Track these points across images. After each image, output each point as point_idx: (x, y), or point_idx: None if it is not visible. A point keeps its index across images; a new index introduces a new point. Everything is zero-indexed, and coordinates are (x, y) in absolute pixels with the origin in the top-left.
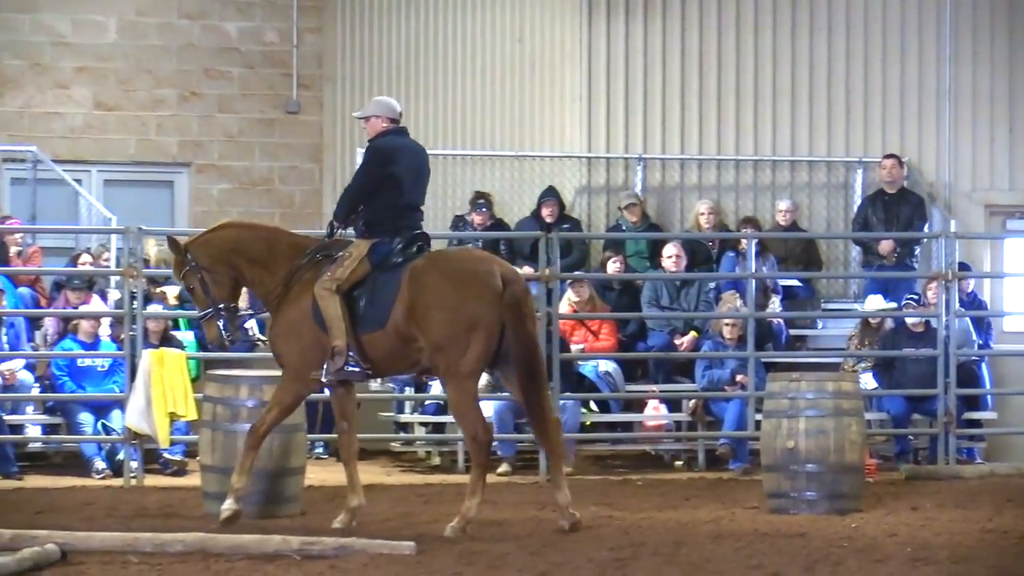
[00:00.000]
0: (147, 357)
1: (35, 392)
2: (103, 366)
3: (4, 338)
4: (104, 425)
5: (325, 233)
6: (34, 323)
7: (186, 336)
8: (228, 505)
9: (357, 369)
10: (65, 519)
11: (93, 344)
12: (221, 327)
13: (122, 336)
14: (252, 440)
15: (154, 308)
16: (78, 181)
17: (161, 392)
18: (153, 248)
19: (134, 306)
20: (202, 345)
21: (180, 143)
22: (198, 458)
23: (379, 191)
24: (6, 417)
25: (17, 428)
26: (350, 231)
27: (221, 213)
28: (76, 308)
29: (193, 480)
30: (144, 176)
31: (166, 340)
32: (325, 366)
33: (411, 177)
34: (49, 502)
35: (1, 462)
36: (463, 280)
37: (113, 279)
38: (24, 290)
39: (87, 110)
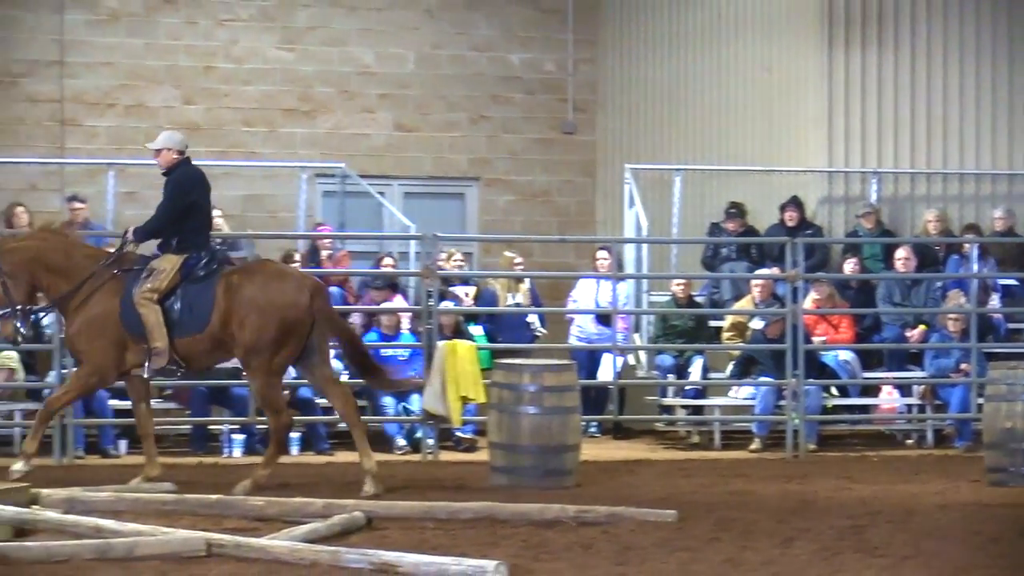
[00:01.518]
0: (442, 348)
1: (344, 378)
2: (403, 355)
3: None
4: (404, 407)
5: (116, 248)
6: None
7: (475, 330)
8: (19, 467)
9: (173, 367)
10: None
11: (394, 336)
12: (17, 325)
13: (420, 329)
14: (45, 415)
15: (447, 305)
16: (381, 194)
17: (454, 378)
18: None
19: (430, 303)
20: (491, 338)
21: (470, 160)
22: (486, 436)
23: (184, 216)
24: (318, 400)
25: (328, 410)
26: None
27: (506, 222)
28: (379, 305)
29: (482, 456)
30: (439, 189)
31: (458, 333)
32: (147, 363)
33: (206, 201)
34: (356, 475)
35: (314, 440)
36: (276, 292)
37: (412, 279)
38: (334, 289)
39: (389, 131)
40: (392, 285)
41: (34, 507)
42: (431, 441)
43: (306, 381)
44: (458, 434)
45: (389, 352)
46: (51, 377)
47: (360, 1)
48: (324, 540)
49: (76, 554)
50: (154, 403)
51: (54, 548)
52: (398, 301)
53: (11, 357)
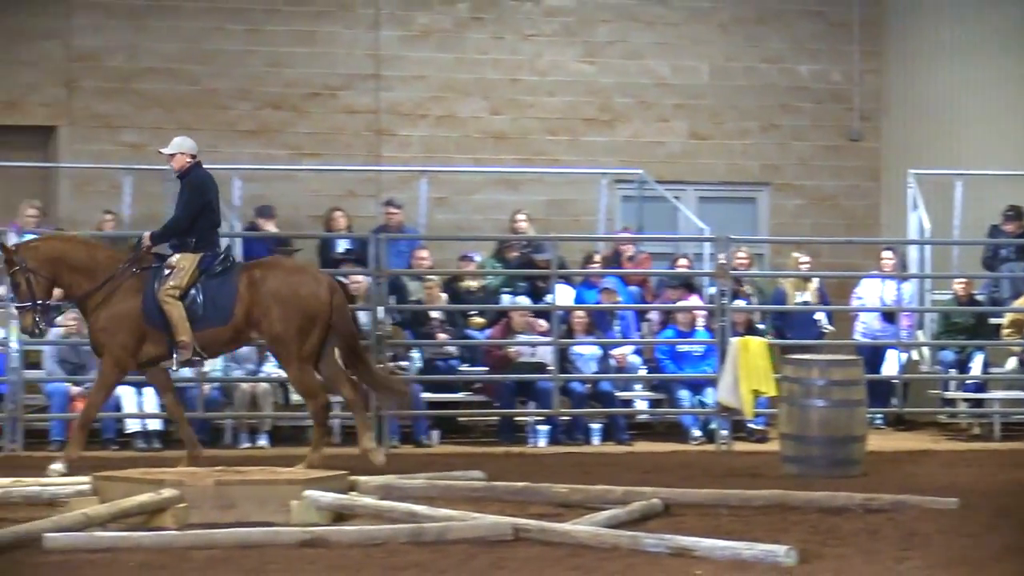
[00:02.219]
0: (735, 344)
1: (642, 372)
2: (699, 351)
3: (617, 328)
4: (700, 400)
5: (133, 249)
6: (641, 316)
7: (766, 327)
8: (57, 467)
9: (197, 358)
10: (667, 478)
11: (690, 333)
12: (36, 319)
13: (714, 326)
14: (84, 420)
15: (739, 303)
16: (677, 198)
17: (747, 372)
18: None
19: (724, 302)
20: (780, 334)
21: (761, 166)
22: (777, 427)
23: (200, 216)
24: (618, 393)
25: (627, 402)
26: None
27: (795, 225)
28: (675, 303)
29: (773, 446)
30: (731, 194)
31: (750, 329)
32: (174, 356)
33: (217, 202)
34: (654, 464)
35: (615, 431)
36: (298, 286)
37: (706, 279)
38: (633, 288)
39: (684, 139)
40: (688, 284)
41: (352, 494)
42: (725, 432)
43: (606, 374)
44: (750, 425)
45: (685, 348)
46: None
47: (657, 16)
48: (624, 525)
49: (391, 538)
50: (464, 396)
51: (371, 532)
52: (693, 300)
53: None
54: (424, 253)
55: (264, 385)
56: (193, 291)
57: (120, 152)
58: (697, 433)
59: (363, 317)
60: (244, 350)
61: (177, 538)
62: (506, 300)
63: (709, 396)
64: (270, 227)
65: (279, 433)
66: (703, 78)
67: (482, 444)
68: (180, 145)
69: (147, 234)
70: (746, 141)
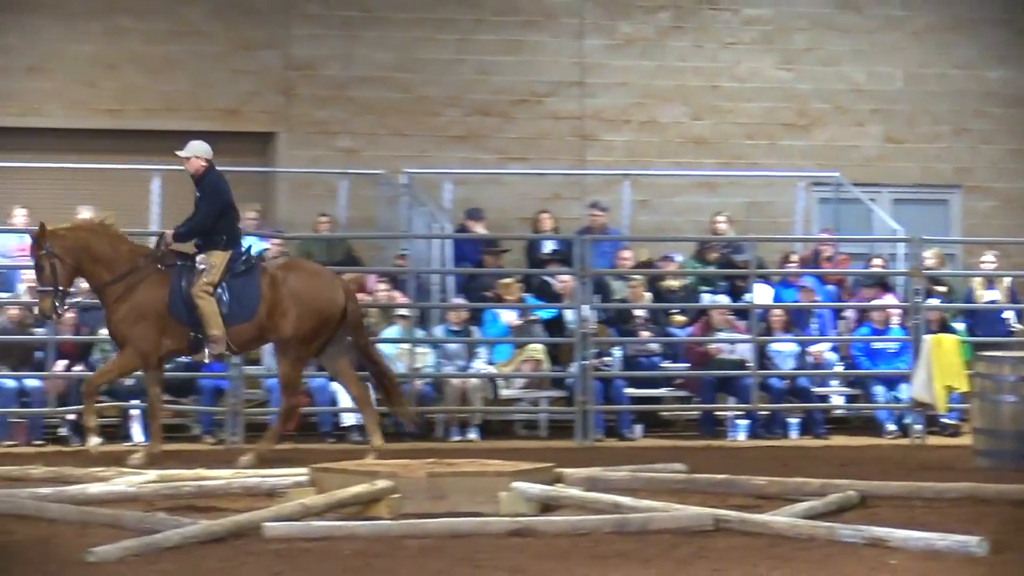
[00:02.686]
0: (928, 341)
1: (838, 369)
2: (893, 348)
3: (814, 326)
4: (894, 395)
5: (155, 246)
6: (837, 314)
7: (957, 325)
8: (94, 442)
9: (228, 352)
10: (862, 471)
11: (884, 330)
12: (55, 304)
13: (908, 324)
14: (89, 389)
15: (932, 302)
16: (872, 200)
17: (940, 369)
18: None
19: (917, 300)
20: (970, 332)
21: (954, 169)
22: (969, 422)
23: (223, 216)
24: (815, 389)
25: (824, 398)
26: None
27: (986, 226)
28: (870, 301)
29: (965, 440)
30: (924, 196)
31: (944, 327)
32: (207, 349)
33: (234, 202)
34: (850, 457)
35: (811, 425)
36: (319, 289)
37: (900, 278)
38: (830, 287)
39: (879, 143)
40: (882, 284)
41: (559, 485)
42: (919, 427)
43: (803, 370)
44: (943, 420)
45: (880, 345)
46: (573, 367)
47: (852, 25)
48: (821, 517)
49: (596, 528)
50: (666, 391)
51: (577, 522)
52: (888, 298)
53: (537, 349)
54: (627, 253)
55: (474, 380)
56: (219, 289)
57: (335, 157)
58: (892, 427)
59: (569, 315)
60: (454, 347)
61: (391, 527)
62: (706, 299)
63: (903, 392)
64: (479, 229)
65: (489, 427)
66: (897, 84)
67: (683, 438)
68: (195, 149)
69: (170, 232)
70: (939, 145)
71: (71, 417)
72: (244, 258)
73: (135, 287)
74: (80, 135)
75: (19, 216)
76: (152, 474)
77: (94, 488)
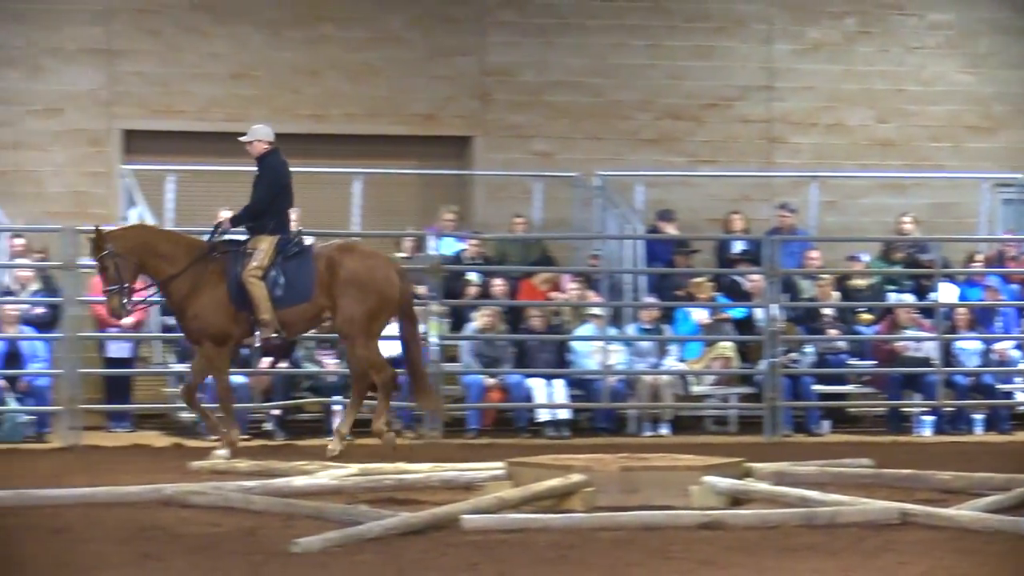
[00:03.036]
0: None
1: (1022, 366)
2: None
3: (999, 324)
4: None
5: (212, 235)
6: (1022, 312)
7: None
8: (222, 454)
9: (276, 335)
10: None
11: None
12: (123, 302)
13: None
14: (189, 397)
15: None
16: None
17: None
18: None
19: None
20: None
21: None
22: None
23: (278, 198)
24: (999, 386)
25: (1008, 394)
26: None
27: None
28: None
29: None
30: None
31: None
32: (257, 333)
33: (291, 186)
34: None
35: (996, 421)
36: (375, 269)
37: None
38: (1014, 286)
39: None
40: None
41: (748, 479)
42: None
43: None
44: None
45: None
46: (762, 365)
47: None
48: (1006, 511)
49: (785, 521)
50: (854, 388)
51: (765, 515)
52: None
53: (727, 347)
54: (815, 253)
55: (665, 377)
56: (273, 272)
57: (530, 160)
58: None
59: (758, 314)
60: (646, 344)
61: (584, 520)
62: (892, 298)
63: None
64: (670, 229)
65: (680, 422)
66: None
67: (870, 433)
68: (257, 132)
69: (227, 217)
70: None
71: (275, 412)
72: (294, 241)
73: (199, 280)
74: (283, 139)
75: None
76: (354, 467)
77: (298, 481)
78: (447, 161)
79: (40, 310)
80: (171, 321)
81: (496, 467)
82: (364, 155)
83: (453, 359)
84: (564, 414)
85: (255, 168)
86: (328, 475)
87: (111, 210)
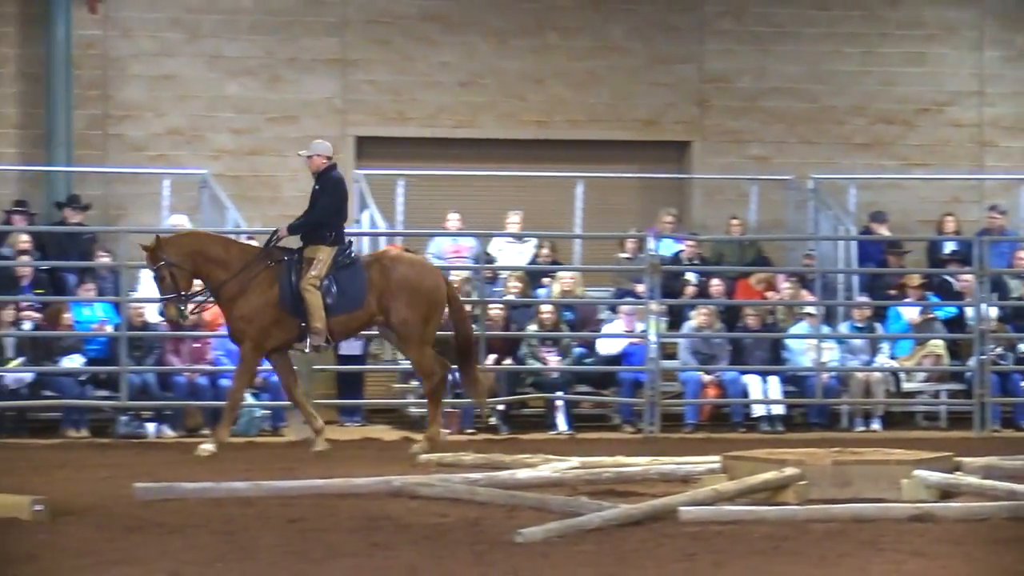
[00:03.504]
0: None
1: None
2: None
3: None
4: None
5: (267, 243)
6: None
7: None
8: (207, 447)
9: (326, 343)
10: None
11: None
12: (181, 308)
13: None
14: (233, 402)
15: None
16: None
17: None
18: None
19: None
20: None
21: None
22: None
23: (339, 212)
24: None
25: None
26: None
27: None
28: None
29: None
30: None
31: None
32: (308, 340)
33: (348, 200)
34: None
35: None
36: (424, 276)
37: None
38: None
39: None
40: None
41: (957, 473)
42: None
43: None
44: None
45: None
46: (972, 362)
47: None
48: None
49: (993, 514)
50: None
51: (975, 508)
52: None
53: (938, 344)
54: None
55: (877, 374)
56: (327, 281)
57: (747, 164)
58: None
59: (968, 312)
60: (859, 342)
61: (798, 512)
62: None
63: None
64: (883, 231)
65: (891, 418)
66: None
67: None
68: (318, 148)
69: (284, 227)
70: None
71: (500, 408)
72: (348, 251)
73: (249, 284)
74: (509, 145)
75: (453, 221)
76: (575, 461)
77: (522, 474)
78: (666, 165)
79: None
80: None
81: (712, 461)
82: (586, 159)
83: (671, 356)
84: (778, 410)
85: (473, 173)
86: (550, 468)
87: None
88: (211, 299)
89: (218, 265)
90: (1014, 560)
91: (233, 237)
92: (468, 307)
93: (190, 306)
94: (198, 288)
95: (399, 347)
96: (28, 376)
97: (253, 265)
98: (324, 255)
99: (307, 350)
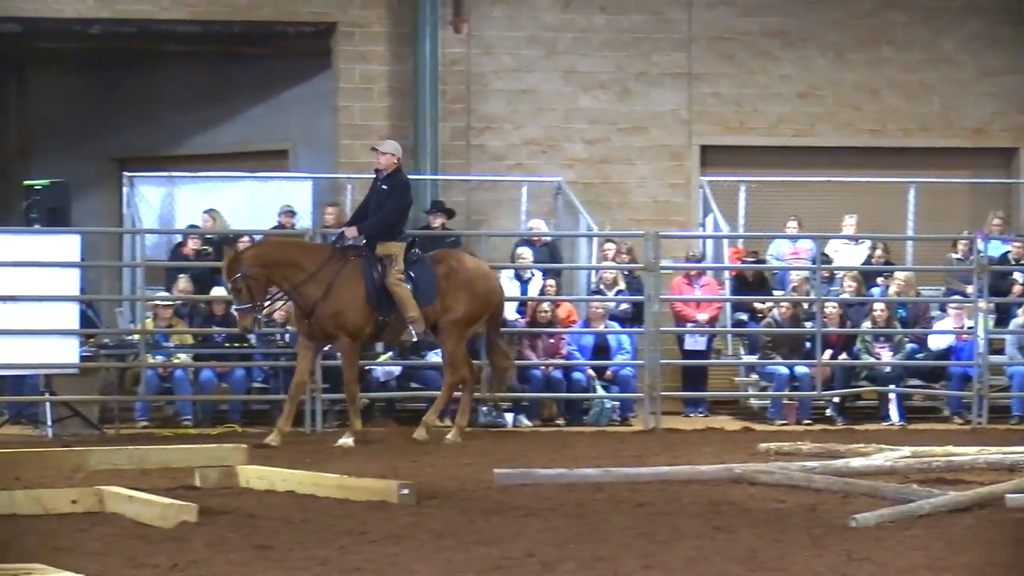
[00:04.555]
0: None
1: None
2: None
3: None
4: None
5: (336, 240)
6: None
7: None
8: (345, 440)
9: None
10: None
11: None
12: (258, 318)
13: None
14: (352, 394)
15: None
16: None
17: None
18: None
19: None
20: None
21: None
22: None
23: (404, 213)
24: None
25: None
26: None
27: None
28: None
29: None
30: None
31: None
32: (411, 328)
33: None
34: None
35: None
36: (487, 278)
37: None
38: None
39: None
40: None
41: None
42: None
43: None
44: None
45: None
46: None
47: None
48: None
49: None
50: None
51: None
52: None
53: None
54: None
55: None
56: (403, 276)
57: None
58: None
59: None
60: None
61: None
62: None
63: None
64: None
65: None
66: None
67: None
68: (391, 147)
69: (354, 228)
70: None
71: (835, 400)
72: (414, 249)
73: (333, 280)
74: (845, 152)
75: (791, 224)
76: (907, 450)
77: (856, 462)
78: (994, 171)
79: (624, 307)
80: (743, 316)
81: None
82: (918, 166)
83: (999, 352)
84: None
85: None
86: (883, 457)
87: (688, 218)
88: (286, 300)
89: (293, 268)
90: None
91: (306, 240)
92: (805, 305)
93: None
94: (271, 295)
95: (440, 337)
96: (396, 369)
97: (330, 264)
98: (398, 250)
99: (413, 339)
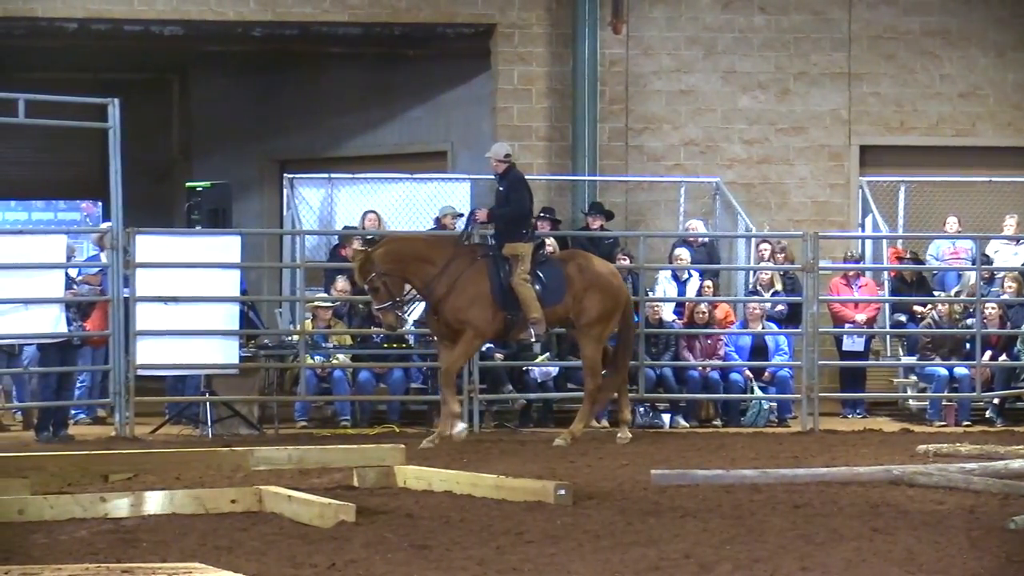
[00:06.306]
0: None
1: None
2: None
3: None
4: None
5: (466, 225)
6: None
7: None
8: (460, 429)
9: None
10: None
11: None
12: (399, 315)
13: None
14: (447, 380)
15: None
16: None
17: None
18: None
19: None
20: None
21: None
22: None
23: (530, 205)
24: None
25: None
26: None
27: None
28: None
29: None
30: None
31: None
32: (532, 328)
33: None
34: None
35: None
36: (615, 277)
37: None
38: None
39: None
40: None
41: None
42: None
43: None
44: None
45: None
46: None
47: None
48: None
49: None
50: None
51: None
52: None
53: None
54: None
55: None
56: (530, 277)
57: None
58: None
59: None
60: None
61: None
62: None
63: None
64: None
65: None
66: None
67: None
68: (494, 151)
69: (484, 210)
70: None
71: (995, 401)
72: (542, 249)
73: (461, 275)
74: (1006, 152)
75: (951, 224)
76: None
77: (1015, 464)
78: None
79: (782, 307)
80: (902, 318)
81: None
82: None
83: None
84: None
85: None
86: None
87: (848, 218)
88: (419, 298)
89: (425, 263)
90: None
91: (433, 233)
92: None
93: (406, 309)
94: (408, 293)
95: (579, 341)
96: (554, 370)
97: (458, 260)
98: (525, 251)
99: (533, 339)
